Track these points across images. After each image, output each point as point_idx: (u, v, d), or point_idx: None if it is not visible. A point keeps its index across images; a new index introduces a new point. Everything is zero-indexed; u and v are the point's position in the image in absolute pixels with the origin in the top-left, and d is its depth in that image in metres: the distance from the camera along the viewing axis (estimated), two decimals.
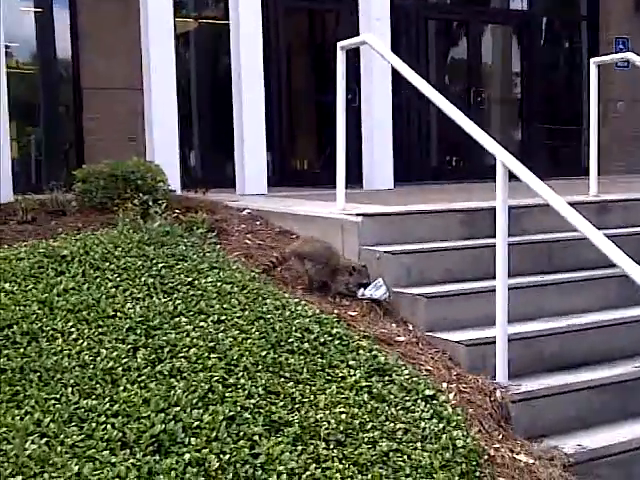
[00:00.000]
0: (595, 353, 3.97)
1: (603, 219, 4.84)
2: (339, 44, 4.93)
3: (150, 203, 4.75)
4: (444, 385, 3.53)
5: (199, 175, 8.77)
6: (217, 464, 2.55)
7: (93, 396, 2.80)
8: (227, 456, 2.59)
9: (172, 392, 2.86)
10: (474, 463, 2.90)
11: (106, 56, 7.81)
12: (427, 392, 3.28)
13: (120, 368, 2.96)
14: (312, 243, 4.39)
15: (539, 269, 4.41)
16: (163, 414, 2.72)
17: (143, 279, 3.68)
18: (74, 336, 3.16)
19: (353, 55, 6.66)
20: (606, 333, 4.06)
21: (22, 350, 3.03)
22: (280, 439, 2.75)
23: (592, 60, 5.67)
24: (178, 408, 2.77)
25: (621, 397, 3.74)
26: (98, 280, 3.63)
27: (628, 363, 3.93)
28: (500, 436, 3.32)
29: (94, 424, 2.64)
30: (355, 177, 7.54)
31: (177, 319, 3.37)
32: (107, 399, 2.78)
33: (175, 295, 3.58)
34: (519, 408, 3.53)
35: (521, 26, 11.12)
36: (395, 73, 7.70)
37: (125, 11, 7.63)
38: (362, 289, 4.15)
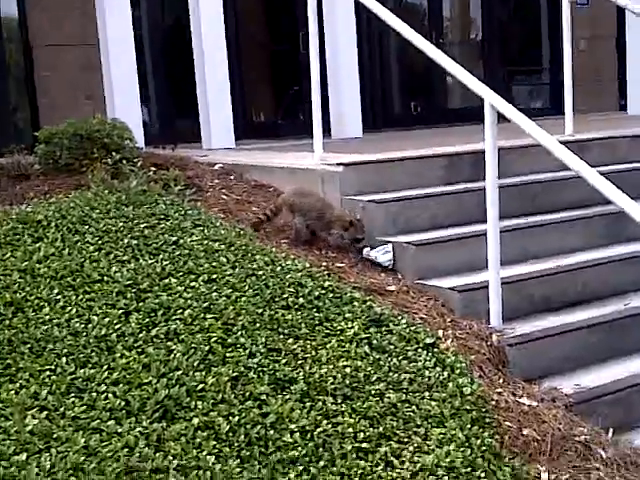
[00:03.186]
0: (586, 293, 3.98)
1: (583, 157, 4.80)
2: None
3: (122, 162, 4.56)
4: (440, 332, 3.49)
5: (163, 131, 8.51)
6: (227, 427, 2.48)
7: (89, 365, 2.69)
8: (236, 418, 2.53)
9: (171, 356, 2.76)
10: (483, 410, 2.88)
11: (56, 10, 7.45)
12: (427, 340, 3.24)
13: (114, 334, 2.85)
14: (303, 195, 4.26)
15: (524, 211, 4.37)
16: (165, 379, 2.63)
17: (126, 241, 3.54)
18: (61, 304, 3.02)
19: None
20: (595, 272, 4.06)
21: (8, 322, 2.89)
22: (287, 397, 2.69)
23: None
24: (180, 372, 2.68)
25: (613, 335, 3.76)
26: (79, 244, 3.48)
27: (619, 301, 3.94)
28: (501, 380, 3.30)
29: (94, 394, 2.54)
30: (323, 126, 7.39)
31: (167, 280, 3.25)
32: (105, 367, 2.67)
33: (161, 256, 3.45)
34: (515, 351, 3.52)
35: None
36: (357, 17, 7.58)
37: None
38: (368, 249, 4.04)
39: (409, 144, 5.96)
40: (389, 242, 4.03)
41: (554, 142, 3.36)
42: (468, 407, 2.85)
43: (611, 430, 3.15)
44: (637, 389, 3.47)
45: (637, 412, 3.42)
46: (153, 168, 4.70)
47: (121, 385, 2.58)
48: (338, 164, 4.46)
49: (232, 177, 5.14)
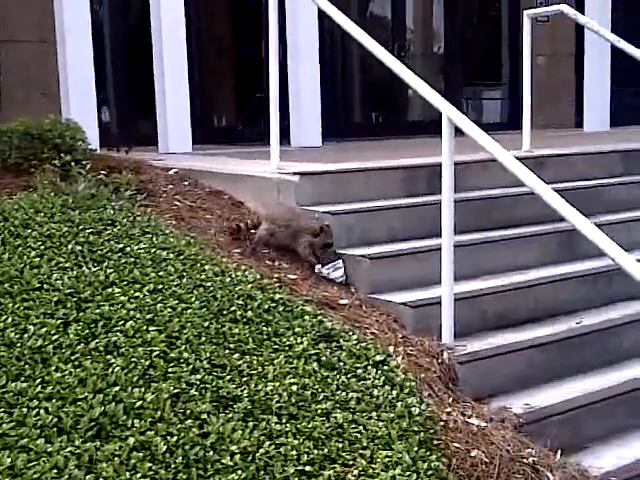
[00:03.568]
0: (538, 310, 3.96)
1: (540, 174, 4.80)
2: None
3: (72, 164, 4.41)
4: (391, 349, 3.43)
5: (118, 133, 8.34)
6: (164, 447, 2.36)
7: (22, 378, 2.55)
8: (174, 438, 2.41)
9: (110, 370, 2.64)
10: (431, 431, 2.82)
11: (13, 5, 7.25)
12: (377, 357, 3.17)
13: (50, 346, 2.71)
14: (275, 207, 4.19)
15: (480, 226, 4.34)
16: (102, 395, 2.50)
17: (70, 247, 3.40)
18: None
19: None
20: (548, 289, 4.04)
21: None
22: (230, 416, 2.59)
23: (526, 13, 5.57)
24: (118, 387, 2.56)
25: (565, 354, 3.74)
26: (20, 249, 3.33)
27: (571, 319, 3.92)
28: (450, 399, 3.25)
29: (25, 409, 2.40)
30: (282, 134, 7.33)
31: (110, 290, 3.13)
32: (38, 381, 2.54)
33: (106, 263, 3.32)
34: (466, 369, 3.47)
35: None
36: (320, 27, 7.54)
37: None
38: (319, 265, 3.97)
39: (369, 155, 5.93)
40: (340, 257, 3.96)
41: (509, 157, 3.33)
42: (416, 428, 2.78)
43: (559, 451, 3.12)
44: (587, 409, 3.45)
45: (586, 432, 3.40)
46: (104, 171, 4.56)
47: (54, 400, 2.45)
48: (294, 173, 4.39)
49: (187, 183, 5.02)
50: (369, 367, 3.11)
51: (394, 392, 2.96)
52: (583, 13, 8.57)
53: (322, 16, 6.28)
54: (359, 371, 3.06)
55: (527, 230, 4.36)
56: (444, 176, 3.49)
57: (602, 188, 5.04)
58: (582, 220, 3.06)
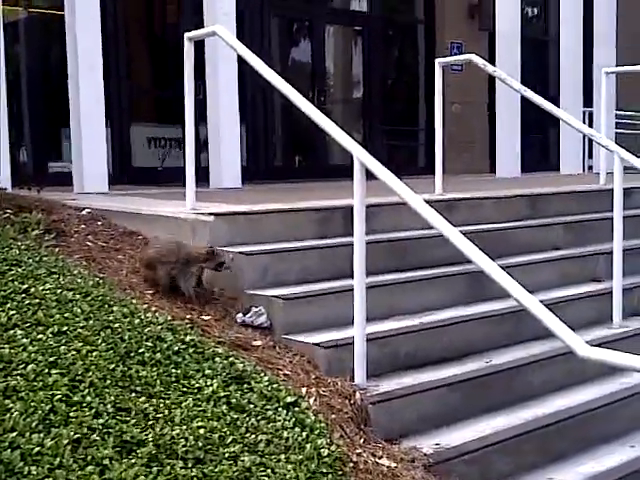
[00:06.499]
0: (449, 350, 4.02)
1: (451, 217, 4.93)
2: (187, 35, 4.70)
3: None
4: (303, 390, 3.42)
5: (32, 172, 8.15)
6: None
7: None
8: None
9: (7, 415, 2.53)
10: (340, 473, 2.81)
11: None
12: (288, 399, 3.15)
13: None
14: (159, 245, 4.11)
15: (392, 267, 4.41)
16: None
17: None
18: None
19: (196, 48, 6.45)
20: (458, 330, 4.12)
21: None
22: (133, 461, 2.51)
23: (437, 61, 5.79)
24: (15, 433, 2.45)
25: (475, 393, 3.81)
26: None
27: (480, 359, 4.00)
28: (362, 440, 3.25)
29: None
30: (202, 175, 7.31)
31: (12, 332, 3.02)
32: None
33: (8, 305, 3.21)
34: (378, 409, 3.49)
35: (363, 27, 11.32)
36: (240, 69, 7.61)
37: None
38: (241, 314, 3.92)
39: (286, 197, 5.97)
40: (259, 304, 3.93)
41: (419, 201, 3.40)
42: (325, 470, 2.76)
43: None
44: (496, 447, 3.52)
45: (495, 470, 3.45)
46: (10, 210, 4.44)
47: None
48: (209, 214, 4.37)
49: (100, 223, 4.93)
50: (280, 409, 3.08)
51: (304, 434, 2.94)
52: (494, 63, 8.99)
53: (241, 61, 6.33)
54: (269, 413, 3.03)
55: (438, 271, 4.45)
56: (356, 218, 3.54)
57: (509, 231, 5.21)
58: (488, 262, 3.14)
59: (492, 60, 9.31)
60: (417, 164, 11.51)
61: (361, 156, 3.53)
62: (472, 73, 9.77)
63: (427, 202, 3.47)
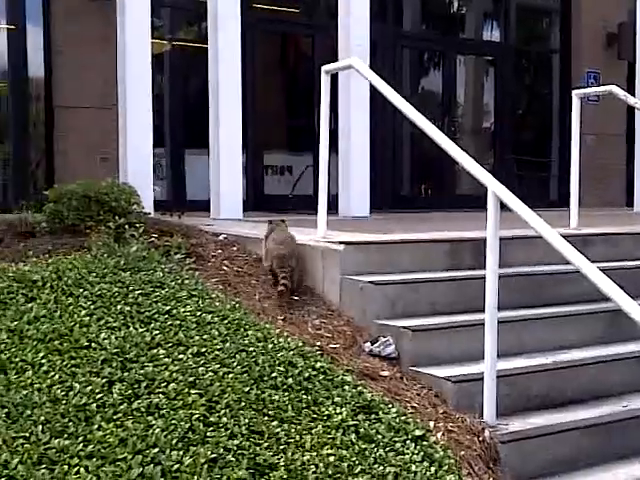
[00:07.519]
0: (583, 391, 3.88)
1: (586, 252, 4.78)
2: (324, 68, 4.83)
3: (125, 226, 4.56)
4: (431, 424, 3.40)
5: (174, 197, 8.58)
6: None
7: (65, 435, 2.60)
8: None
9: (150, 431, 2.67)
10: None
11: (79, 74, 7.64)
12: (417, 432, 3.14)
13: (94, 404, 2.77)
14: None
15: (525, 302, 4.31)
16: (141, 456, 2.53)
17: (119, 307, 3.50)
18: (45, 368, 2.96)
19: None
20: (593, 370, 3.96)
21: None
22: None
23: (574, 93, 5.64)
24: (157, 449, 2.58)
25: (610, 438, 3.64)
26: (71, 307, 3.44)
27: (617, 402, 3.83)
28: (491, 479, 3.18)
29: (66, 467, 2.44)
30: (330, 204, 7.45)
31: (155, 351, 3.19)
32: (80, 438, 2.59)
33: (152, 325, 3.40)
34: (508, 449, 3.41)
35: (496, 58, 11.21)
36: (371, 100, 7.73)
37: (100, 29, 7.49)
38: (369, 343, 3.95)
39: (414, 227, 5.97)
40: (387, 334, 3.94)
41: (554, 234, 3.33)
42: None
43: None
44: None
45: None
46: (155, 234, 4.70)
47: (94, 459, 2.49)
48: (340, 242, 4.44)
49: (235, 248, 5.13)
50: (408, 441, 3.07)
51: (432, 469, 2.92)
52: (633, 93, 8.64)
53: (373, 91, 6.43)
54: (397, 445, 3.03)
55: (572, 309, 4.31)
56: (489, 251, 3.50)
57: None
58: (628, 300, 3.03)
59: (630, 90, 8.96)
60: (548, 196, 11.22)
61: (495, 188, 3.50)
62: (608, 104, 9.44)
63: (563, 236, 3.38)
